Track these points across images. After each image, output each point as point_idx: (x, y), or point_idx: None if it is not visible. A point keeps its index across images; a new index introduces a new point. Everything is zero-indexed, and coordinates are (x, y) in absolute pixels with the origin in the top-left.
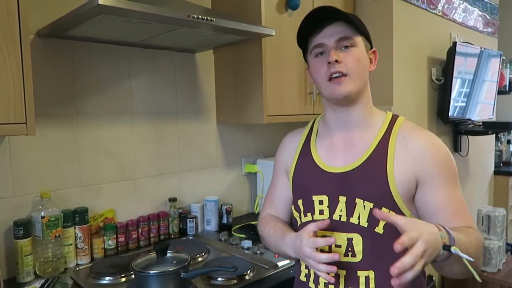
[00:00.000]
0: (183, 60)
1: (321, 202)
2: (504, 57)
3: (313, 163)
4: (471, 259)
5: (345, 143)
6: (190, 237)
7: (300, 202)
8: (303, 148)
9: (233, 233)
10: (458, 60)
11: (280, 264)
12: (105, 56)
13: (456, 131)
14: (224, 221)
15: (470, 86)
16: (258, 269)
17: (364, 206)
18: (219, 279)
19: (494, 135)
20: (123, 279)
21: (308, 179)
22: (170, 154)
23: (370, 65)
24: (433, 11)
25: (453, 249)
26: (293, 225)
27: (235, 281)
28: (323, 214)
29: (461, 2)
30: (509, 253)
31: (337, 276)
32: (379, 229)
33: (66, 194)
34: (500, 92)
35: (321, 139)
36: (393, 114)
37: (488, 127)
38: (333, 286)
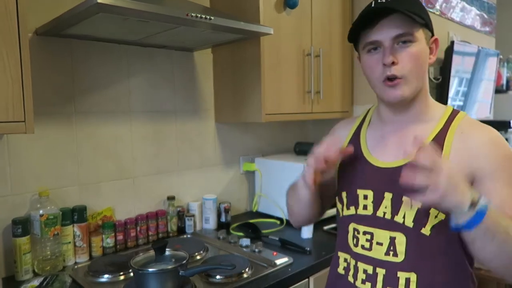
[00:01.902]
0: (182, 59)
1: (365, 197)
2: (501, 56)
3: (361, 155)
4: (466, 209)
5: (398, 137)
6: (189, 236)
7: (344, 194)
8: (352, 137)
9: (232, 231)
10: (455, 59)
11: (278, 262)
12: (104, 54)
13: None
14: (223, 219)
15: (468, 85)
16: (256, 267)
17: (411, 205)
18: (218, 277)
19: None
20: (122, 277)
21: (354, 171)
22: (168, 152)
23: (430, 56)
24: (431, 10)
25: (481, 201)
26: (336, 217)
27: (233, 279)
28: (366, 209)
29: (459, 1)
30: None
31: (375, 275)
32: (426, 230)
33: (65, 193)
34: (498, 91)
35: (373, 130)
36: (453, 109)
37: None
38: (370, 283)
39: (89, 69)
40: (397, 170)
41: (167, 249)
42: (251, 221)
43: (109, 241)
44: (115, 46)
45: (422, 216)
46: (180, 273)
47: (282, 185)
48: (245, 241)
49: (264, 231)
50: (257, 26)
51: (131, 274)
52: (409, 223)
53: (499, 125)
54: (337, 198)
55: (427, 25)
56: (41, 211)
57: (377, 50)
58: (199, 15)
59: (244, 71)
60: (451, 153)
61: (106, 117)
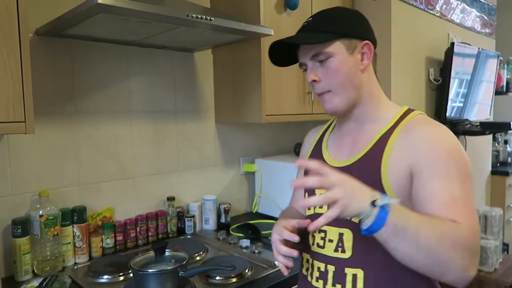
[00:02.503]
0: (182, 59)
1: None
2: (501, 58)
3: (321, 158)
4: (366, 213)
5: (351, 138)
6: (189, 236)
7: (306, 195)
8: (317, 143)
9: (231, 232)
10: (455, 60)
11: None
12: (104, 55)
13: (454, 131)
14: (222, 220)
15: (468, 87)
16: (256, 268)
17: None
18: (217, 278)
19: (491, 135)
20: (121, 278)
21: (313, 173)
22: (168, 153)
23: (362, 62)
24: (431, 12)
25: (370, 207)
26: None
27: (233, 280)
28: (322, 208)
29: (459, 3)
30: (506, 252)
31: (326, 272)
32: None
33: (65, 193)
34: (498, 92)
35: (333, 134)
36: (408, 109)
37: (485, 128)
38: (322, 281)
39: (89, 69)
40: (347, 168)
41: (167, 249)
42: (251, 222)
43: (109, 242)
44: (115, 47)
45: None
46: (180, 274)
47: (282, 186)
48: (245, 242)
49: (264, 232)
50: (257, 27)
51: (131, 274)
52: (356, 218)
53: (500, 127)
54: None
55: (346, 35)
56: (41, 212)
57: (306, 70)
58: (200, 16)
59: (245, 71)
60: (393, 151)
61: (106, 117)
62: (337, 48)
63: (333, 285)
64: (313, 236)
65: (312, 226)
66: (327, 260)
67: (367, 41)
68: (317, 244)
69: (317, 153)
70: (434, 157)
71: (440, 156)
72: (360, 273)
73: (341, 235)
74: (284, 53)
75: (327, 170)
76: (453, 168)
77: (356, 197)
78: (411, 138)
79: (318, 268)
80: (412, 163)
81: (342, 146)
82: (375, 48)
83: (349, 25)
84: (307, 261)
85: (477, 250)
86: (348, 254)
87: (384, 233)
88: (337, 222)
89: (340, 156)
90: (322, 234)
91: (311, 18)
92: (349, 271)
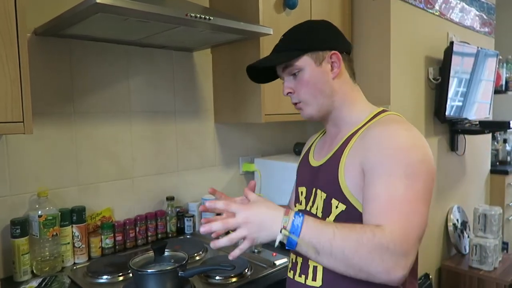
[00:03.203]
0: (181, 59)
1: (301, 193)
2: (500, 57)
3: (307, 158)
4: (277, 241)
5: (330, 140)
6: (188, 236)
7: (293, 192)
8: (310, 147)
9: (230, 231)
10: (455, 59)
11: (277, 262)
12: (103, 54)
13: (453, 130)
14: None
15: (467, 86)
16: (256, 268)
17: (321, 196)
18: (217, 277)
19: (490, 134)
20: (121, 278)
21: (300, 172)
22: (168, 153)
23: (333, 71)
24: (430, 11)
25: (281, 234)
26: None
27: (233, 280)
28: (301, 204)
29: (458, 2)
30: (505, 251)
31: (296, 263)
32: (330, 220)
33: (64, 193)
34: (497, 91)
35: (322, 138)
36: (382, 110)
37: (484, 127)
38: (292, 272)
39: (88, 69)
40: (319, 167)
41: (166, 249)
42: None
43: (108, 242)
44: (114, 46)
45: (327, 207)
46: (179, 274)
47: (281, 186)
48: None
49: None
50: (256, 26)
51: (130, 275)
52: (319, 213)
53: (499, 126)
54: None
55: (312, 49)
56: (40, 212)
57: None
58: (199, 15)
59: (244, 71)
60: (351, 150)
61: (105, 117)
62: (305, 62)
63: None
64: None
65: (214, 246)
66: (300, 254)
67: (334, 51)
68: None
69: (305, 156)
70: (381, 155)
71: (387, 154)
72: (320, 265)
73: (315, 267)
74: (265, 70)
75: (235, 208)
76: (400, 166)
77: (264, 229)
78: (367, 137)
79: (298, 262)
80: (363, 161)
81: (323, 147)
82: (348, 53)
83: (314, 38)
84: (292, 259)
85: (404, 252)
86: (318, 283)
87: (300, 250)
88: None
89: (318, 156)
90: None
91: (282, 37)
92: (311, 263)
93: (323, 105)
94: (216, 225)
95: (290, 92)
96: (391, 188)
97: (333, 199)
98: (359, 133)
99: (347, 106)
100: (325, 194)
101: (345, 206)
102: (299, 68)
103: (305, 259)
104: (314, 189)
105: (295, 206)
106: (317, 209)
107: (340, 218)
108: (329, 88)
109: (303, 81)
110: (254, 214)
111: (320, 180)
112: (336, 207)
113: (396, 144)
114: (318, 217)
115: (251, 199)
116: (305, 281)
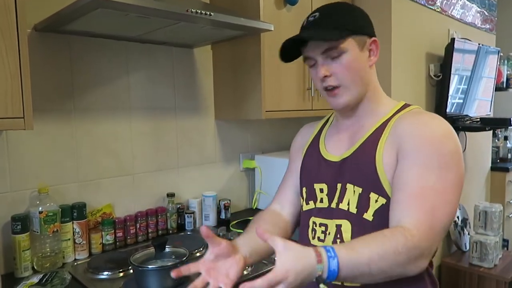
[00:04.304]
0: (181, 55)
1: (321, 190)
2: (502, 54)
3: (319, 153)
4: None
5: (350, 132)
6: (188, 233)
7: (304, 190)
8: (314, 138)
9: (231, 228)
10: (456, 56)
11: None
12: (103, 50)
13: (454, 127)
14: (222, 216)
15: (468, 83)
16: (257, 264)
17: (354, 191)
18: None
19: (491, 132)
20: (121, 274)
21: (312, 168)
22: (168, 149)
23: (370, 58)
24: (431, 7)
25: (321, 286)
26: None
27: None
28: (322, 202)
29: None
30: (505, 248)
31: None
32: (368, 215)
33: (64, 189)
34: (498, 88)
35: (331, 129)
36: (405, 104)
37: (485, 124)
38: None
39: (88, 65)
40: (344, 161)
41: (167, 246)
42: (251, 218)
43: (109, 238)
44: (114, 42)
45: (363, 201)
46: None
47: None
48: None
49: None
50: (257, 22)
51: (131, 271)
52: (353, 209)
53: (500, 123)
54: (300, 194)
55: (357, 32)
56: (40, 208)
57: (315, 65)
58: (199, 11)
59: (244, 67)
60: (386, 141)
61: (105, 114)
62: (350, 44)
63: None
64: (314, 230)
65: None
66: None
67: (375, 38)
68: (318, 237)
69: (314, 146)
70: (416, 144)
71: (422, 144)
72: None
73: (338, 226)
74: (289, 49)
75: (278, 255)
76: (433, 156)
77: (305, 279)
78: (400, 127)
79: None
80: (398, 150)
81: (339, 140)
82: None
83: (358, 22)
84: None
85: (430, 245)
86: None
87: (341, 279)
88: (335, 214)
89: (336, 150)
90: (323, 228)
91: (317, 13)
92: None
93: (360, 93)
94: (258, 284)
95: (327, 76)
96: (422, 178)
97: (371, 193)
98: (390, 125)
99: (376, 97)
100: (361, 189)
101: (385, 200)
102: (342, 50)
103: None
104: (340, 185)
105: (307, 203)
106: (348, 204)
107: (379, 213)
108: (367, 76)
109: (345, 65)
110: (295, 273)
111: (348, 174)
112: (376, 201)
113: (430, 133)
114: (351, 214)
115: (278, 247)
116: None
